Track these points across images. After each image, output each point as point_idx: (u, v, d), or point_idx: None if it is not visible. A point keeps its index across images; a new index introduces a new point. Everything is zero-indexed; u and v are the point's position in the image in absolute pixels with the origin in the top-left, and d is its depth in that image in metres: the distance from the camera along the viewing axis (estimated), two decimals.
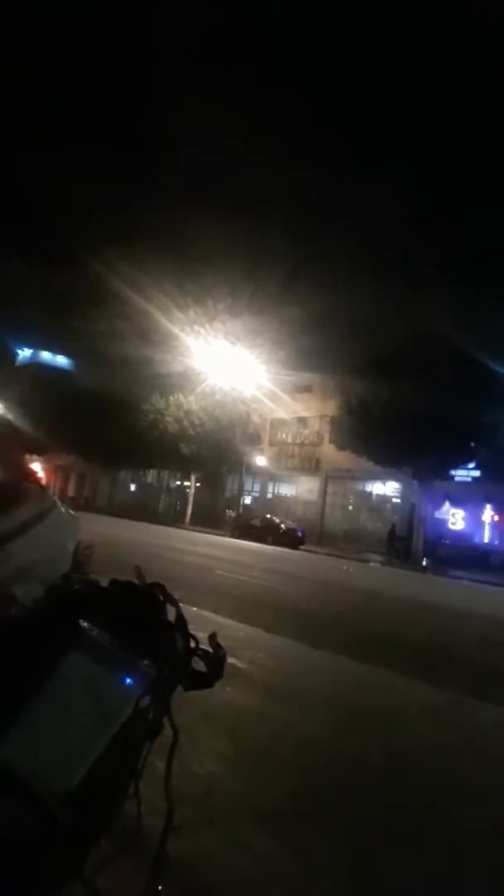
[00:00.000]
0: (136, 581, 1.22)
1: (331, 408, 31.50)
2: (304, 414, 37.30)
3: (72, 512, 1.28)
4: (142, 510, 39.44)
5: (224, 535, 30.41)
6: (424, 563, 26.80)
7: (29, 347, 53.65)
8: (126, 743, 1.08)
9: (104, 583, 1.23)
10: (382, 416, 25.51)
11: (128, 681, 1.06)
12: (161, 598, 1.18)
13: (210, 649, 1.21)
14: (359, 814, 2.89)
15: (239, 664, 5.09)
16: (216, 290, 31.23)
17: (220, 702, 3.88)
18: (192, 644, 1.18)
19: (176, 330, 31.82)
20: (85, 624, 1.05)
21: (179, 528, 32.56)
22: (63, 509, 1.25)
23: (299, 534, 30.32)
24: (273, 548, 26.51)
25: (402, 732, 4.25)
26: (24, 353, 54.16)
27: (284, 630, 7.05)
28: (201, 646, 1.20)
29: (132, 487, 47.39)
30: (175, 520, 36.86)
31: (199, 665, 1.19)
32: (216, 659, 1.19)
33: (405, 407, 24.07)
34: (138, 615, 1.14)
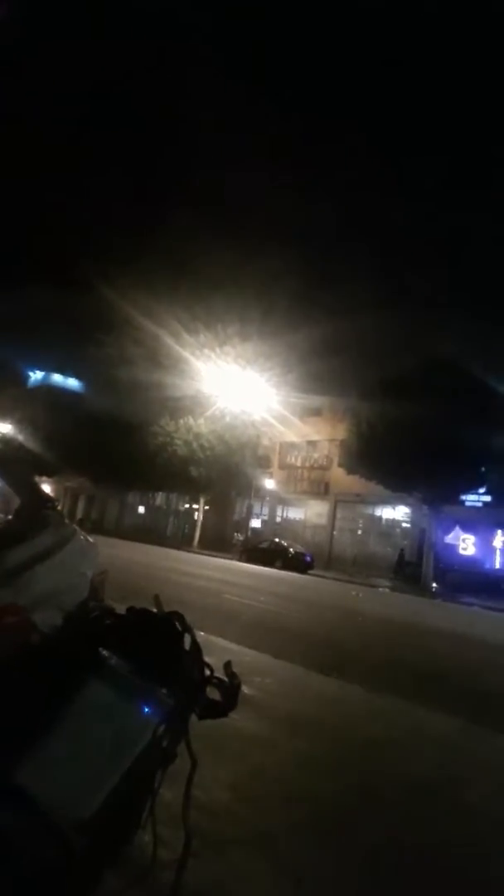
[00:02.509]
0: (155, 609, 1.23)
1: (340, 431, 31.47)
2: (314, 437, 37.27)
3: (90, 539, 1.30)
4: (150, 533, 39.37)
5: (232, 559, 30.25)
6: (434, 587, 26.51)
7: (41, 370, 54.15)
8: (142, 772, 1.08)
9: (120, 610, 1.23)
10: (392, 440, 25.44)
11: (146, 710, 1.07)
12: (178, 626, 1.19)
13: (225, 678, 1.21)
14: (368, 844, 2.85)
15: (246, 690, 5.03)
16: (226, 315, 31.55)
17: (227, 729, 3.83)
18: (208, 673, 1.19)
19: (186, 354, 32.09)
20: (104, 652, 1.06)
21: (188, 551, 32.45)
22: (82, 536, 1.27)
23: (308, 558, 30.11)
24: (281, 572, 26.33)
25: (413, 762, 4.18)
26: (36, 376, 54.65)
27: (292, 656, 6.99)
28: (216, 674, 1.21)
29: (141, 510, 47.36)
30: (183, 543, 36.75)
31: (213, 693, 1.20)
32: (231, 688, 1.20)
33: (415, 431, 24.02)
34: (156, 644, 1.15)
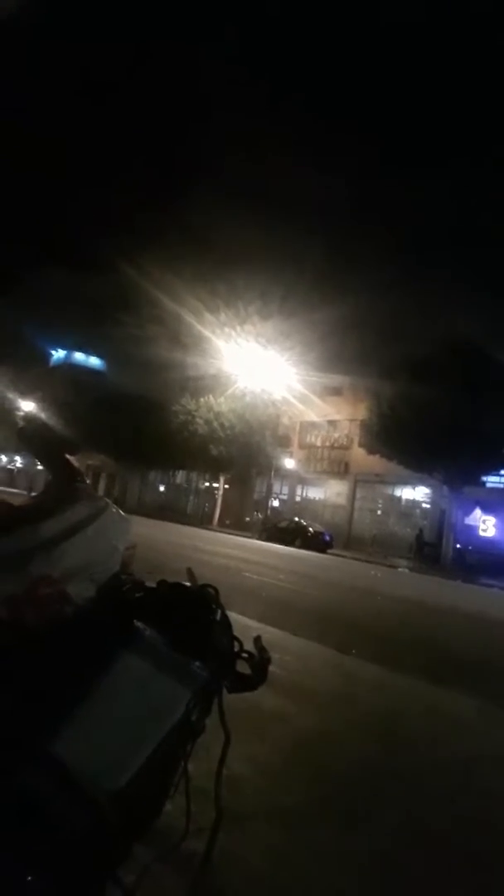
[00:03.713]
0: (188, 582, 1.24)
1: (361, 411, 31.29)
2: (334, 417, 37.12)
3: (122, 513, 1.30)
4: (171, 511, 39.65)
5: (252, 538, 30.41)
6: (452, 568, 26.41)
7: (63, 348, 54.43)
8: (173, 744, 1.09)
9: (149, 583, 1.24)
10: (413, 420, 25.25)
11: (180, 682, 1.07)
12: (211, 600, 1.19)
13: (255, 652, 1.21)
14: (386, 821, 2.87)
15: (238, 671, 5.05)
16: (247, 293, 31.37)
17: (247, 703, 3.87)
18: (237, 647, 1.19)
19: (207, 333, 32.03)
20: (138, 624, 1.07)
21: (207, 529, 32.67)
22: (114, 510, 1.27)
23: (327, 537, 30.17)
24: (300, 551, 26.43)
25: (431, 741, 4.20)
26: (58, 354, 54.96)
27: (311, 634, 7.03)
28: (245, 648, 1.21)
29: (161, 488, 47.70)
30: (203, 521, 36.99)
31: (242, 667, 1.20)
32: (261, 662, 1.20)
33: (437, 412, 23.81)
34: (189, 616, 1.15)
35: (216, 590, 1.23)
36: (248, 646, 1.24)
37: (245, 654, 1.21)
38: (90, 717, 1.01)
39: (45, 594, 1.08)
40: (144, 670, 1.04)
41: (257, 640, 1.24)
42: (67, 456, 1.38)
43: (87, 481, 1.45)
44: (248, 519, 37.35)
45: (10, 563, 1.07)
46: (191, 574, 1.28)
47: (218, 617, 1.20)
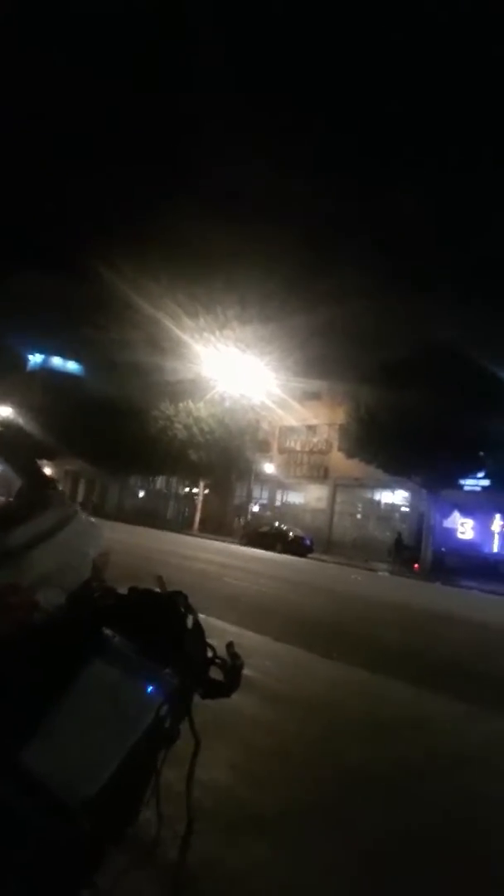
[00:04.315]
0: (157, 589, 1.23)
1: (340, 415, 31.44)
2: (313, 422, 37.26)
3: (93, 520, 1.30)
4: (150, 516, 39.43)
5: (232, 543, 30.36)
6: (430, 571, 26.60)
7: (40, 353, 53.93)
8: (145, 751, 1.09)
9: (122, 590, 1.23)
10: (391, 424, 25.45)
11: (150, 689, 1.07)
12: (181, 607, 1.19)
13: (227, 658, 1.21)
14: (368, 825, 2.87)
15: (247, 672, 5.02)
16: (226, 298, 31.40)
17: (228, 710, 3.85)
18: (210, 653, 1.19)
19: (186, 337, 31.97)
20: (108, 632, 1.06)
21: (188, 534, 32.54)
22: (84, 517, 1.27)
23: (307, 542, 30.23)
24: (281, 556, 26.44)
25: (414, 743, 4.22)
26: (35, 359, 54.44)
27: (293, 638, 7.03)
28: (219, 655, 1.21)
29: (141, 493, 47.43)
30: (183, 526, 36.85)
31: (215, 673, 1.20)
32: (233, 668, 1.20)
33: (414, 415, 24.02)
34: (159, 623, 1.15)
35: (185, 596, 1.22)
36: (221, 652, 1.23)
37: (218, 661, 1.20)
38: (59, 726, 1.00)
39: (13, 602, 1.07)
40: (113, 678, 1.04)
41: (230, 646, 1.24)
42: (39, 462, 1.37)
43: (60, 488, 1.44)
44: (234, 523, 37.23)
45: None
46: (161, 581, 1.28)
47: (189, 623, 1.20)
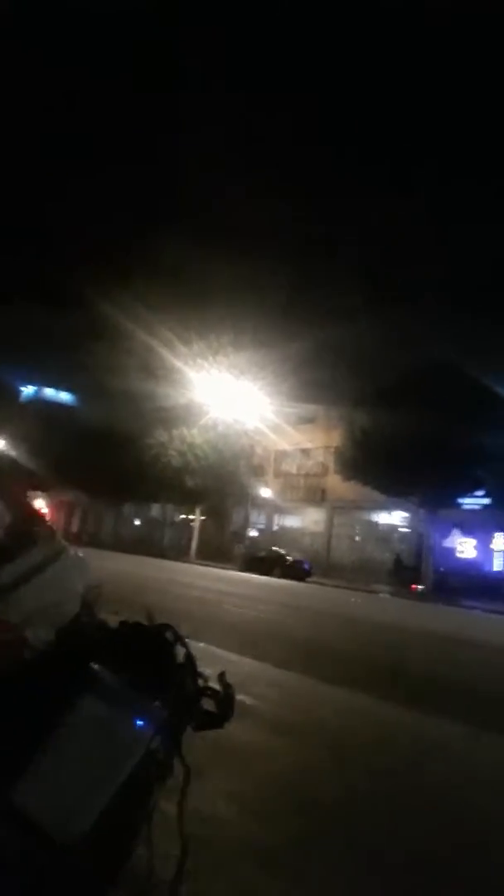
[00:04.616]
0: (147, 621, 1.24)
1: (335, 438, 31.56)
2: (308, 445, 37.37)
3: (80, 554, 1.30)
4: (147, 545, 39.25)
5: (230, 569, 30.20)
6: (430, 592, 26.43)
7: (33, 384, 54.07)
8: (137, 785, 1.08)
9: (113, 623, 1.24)
10: (386, 444, 25.53)
11: (139, 722, 1.07)
12: (170, 638, 1.19)
13: (219, 688, 1.21)
14: (374, 855, 2.83)
15: (247, 700, 5.00)
16: (219, 324, 31.64)
17: (227, 739, 3.81)
18: (202, 683, 1.19)
19: (179, 363, 32.13)
20: (96, 666, 1.06)
21: (185, 561, 32.37)
22: (72, 552, 1.27)
23: (306, 566, 30.10)
24: (279, 580, 26.30)
25: (418, 768, 4.17)
26: (28, 390, 54.58)
27: (293, 664, 6.97)
28: (210, 684, 1.21)
29: (137, 522, 47.27)
30: (180, 553, 36.66)
31: (208, 704, 1.20)
32: (226, 698, 1.20)
33: (409, 435, 24.11)
34: (148, 656, 1.15)
35: (173, 627, 1.22)
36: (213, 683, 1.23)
37: (209, 691, 1.20)
38: (49, 763, 1.00)
39: (2, 639, 1.07)
40: (103, 712, 1.03)
41: (221, 675, 1.24)
42: (28, 495, 1.37)
43: (52, 521, 1.45)
44: (233, 549, 37.05)
45: None
46: (149, 613, 1.28)
47: (180, 654, 1.20)
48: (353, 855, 2.80)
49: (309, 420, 36.67)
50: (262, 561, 30.41)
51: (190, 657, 1.20)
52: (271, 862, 2.62)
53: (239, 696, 1.26)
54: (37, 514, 1.33)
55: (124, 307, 29.46)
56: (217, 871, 2.44)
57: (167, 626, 1.22)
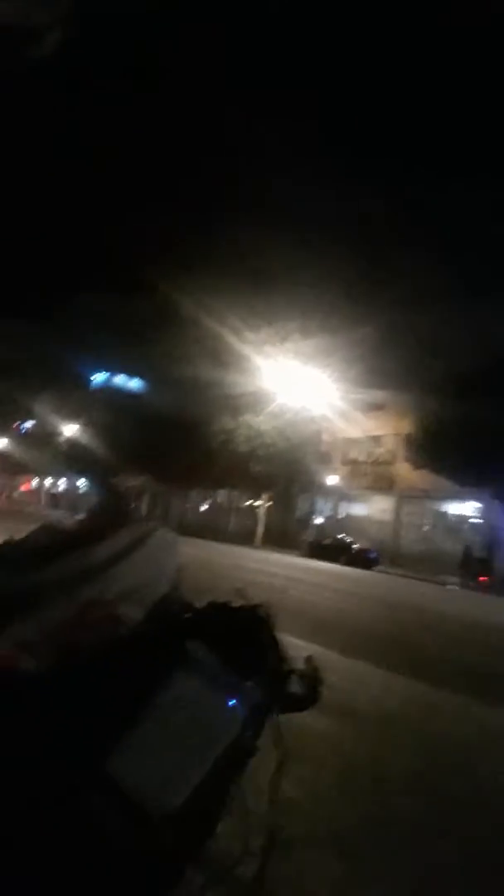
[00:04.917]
0: (238, 603, 1.25)
1: (405, 426, 30.91)
2: (378, 432, 36.77)
3: (173, 534, 1.32)
4: (213, 530, 39.74)
5: (295, 555, 30.22)
6: (488, 581, 25.58)
7: (103, 372, 55.46)
8: (226, 765, 1.09)
9: (199, 604, 1.25)
10: (460, 433, 24.83)
11: (233, 702, 1.07)
12: (263, 620, 1.19)
13: (306, 673, 1.21)
14: (437, 844, 2.81)
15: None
16: (287, 310, 31.45)
17: (294, 725, 3.82)
18: (288, 667, 1.19)
19: (247, 351, 32.18)
20: (190, 645, 1.07)
21: (251, 547, 32.61)
22: (164, 532, 1.29)
23: (372, 554, 29.78)
24: (345, 568, 26.14)
25: (489, 764, 4.08)
26: (98, 378, 56.01)
27: (359, 653, 6.92)
28: (296, 668, 1.21)
29: (203, 507, 47.91)
30: (246, 539, 36.95)
31: (293, 688, 1.20)
32: (312, 682, 1.19)
33: (484, 424, 23.37)
34: (241, 637, 1.15)
35: (268, 609, 1.23)
36: (298, 666, 1.23)
37: (296, 675, 1.20)
38: (145, 738, 1.01)
39: (97, 617, 1.10)
40: (197, 691, 1.05)
41: (309, 660, 1.24)
42: (116, 480, 1.41)
43: (134, 504, 1.48)
44: (292, 536, 37.08)
45: (62, 588, 1.09)
46: (241, 594, 1.29)
47: (269, 637, 1.20)
48: (419, 844, 2.78)
49: (378, 407, 36.03)
50: (329, 548, 30.28)
51: (277, 640, 1.21)
52: (336, 845, 2.63)
53: None
54: (126, 496, 1.37)
55: (192, 294, 29.73)
56: (283, 853, 2.46)
57: (260, 607, 1.22)
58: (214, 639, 1.09)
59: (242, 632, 1.17)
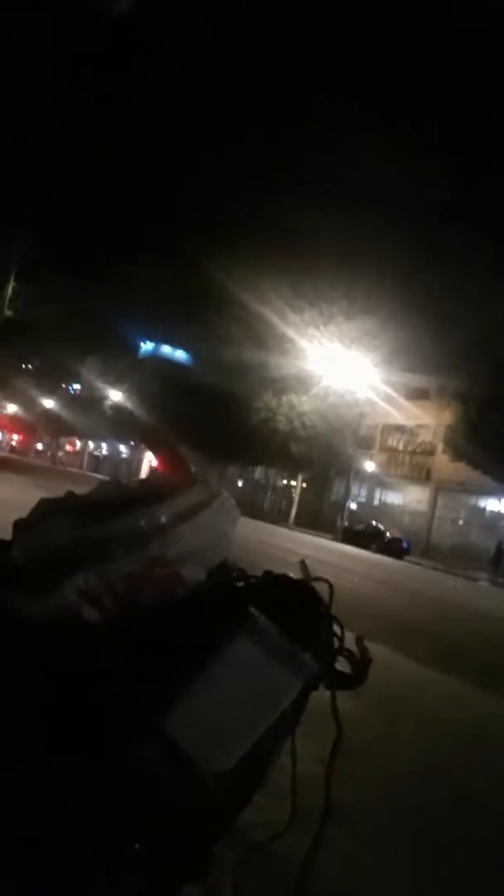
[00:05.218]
0: (300, 575, 1.25)
1: (447, 416, 30.39)
2: (419, 421, 36.29)
3: (232, 501, 1.32)
4: (247, 506, 39.87)
5: (326, 538, 30.22)
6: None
7: (151, 340, 55.82)
8: (276, 734, 1.10)
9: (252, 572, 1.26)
10: (502, 428, 24.34)
11: (291, 671, 1.08)
12: (322, 594, 1.19)
13: (356, 651, 1.21)
14: (453, 830, 2.85)
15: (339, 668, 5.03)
16: (331, 293, 31.11)
17: (318, 705, 3.85)
18: (338, 644, 1.19)
19: (291, 332, 31.98)
20: (254, 610, 1.08)
21: (283, 527, 32.70)
22: (225, 497, 1.30)
23: (404, 544, 29.61)
24: (376, 556, 26.04)
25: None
26: (147, 346, 56.42)
27: (385, 640, 6.90)
28: (347, 646, 1.20)
29: (240, 483, 48.16)
30: (279, 518, 37.08)
31: (342, 666, 1.20)
32: (361, 661, 1.19)
33: None
34: (301, 608, 1.16)
35: (331, 584, 1.23)
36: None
37: (346, 652, 1.20)
38: (203, 698, 1.03)
39: (160, 574, 1.11)
40: (258, 656, 1.05)
41: (359, 639, 1.23)
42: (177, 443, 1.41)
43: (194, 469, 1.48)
44: (325, 519, 37.05)
45: (130, 542, 1.10)
46: (304, 566, 1.29)
47: (326, 612, 1.20)
48: (425, 824, 2.84)
49: (422, 394, 35.52)
50: (361, 534, 30.21)
51: (331, 615, 1.20)
52: (350, 822, 2.68)
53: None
54: (186, 462, 1.37)
55: (238, 274, 29.62)
56: (298, 825, 2.50)
57: (323, 580, 1.22)
58: (274, 608, 1.09)
59: (301, 604, 1.17)
